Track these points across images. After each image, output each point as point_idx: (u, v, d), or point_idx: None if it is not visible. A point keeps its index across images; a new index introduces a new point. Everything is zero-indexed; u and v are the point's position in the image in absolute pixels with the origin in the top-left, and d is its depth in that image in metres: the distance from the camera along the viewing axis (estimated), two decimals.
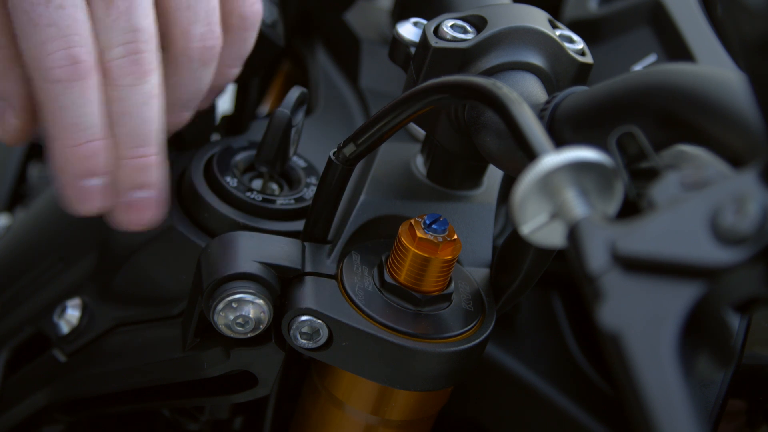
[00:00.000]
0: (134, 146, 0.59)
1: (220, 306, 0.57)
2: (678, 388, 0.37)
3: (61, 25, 0.55)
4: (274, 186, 0.69)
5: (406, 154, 0.69)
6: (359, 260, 0.61)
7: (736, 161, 0.45)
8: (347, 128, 0.76)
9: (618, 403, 0.70)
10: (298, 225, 0.65)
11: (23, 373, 0.73)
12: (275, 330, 0.59)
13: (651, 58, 0.75)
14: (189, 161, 0.68)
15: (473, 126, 0.60)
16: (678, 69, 0.49)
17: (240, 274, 0.57)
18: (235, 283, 0.57)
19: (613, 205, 0.45)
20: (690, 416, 0.36)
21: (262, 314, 0.58)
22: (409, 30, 0.64)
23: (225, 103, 0.84)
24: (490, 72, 0.60)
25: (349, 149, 0.58)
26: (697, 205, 0.40)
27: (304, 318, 0.57)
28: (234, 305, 0.57)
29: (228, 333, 0.58)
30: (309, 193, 0.68)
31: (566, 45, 0.61)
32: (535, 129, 0.47)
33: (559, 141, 0.54)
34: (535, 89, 0.59)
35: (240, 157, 0.68)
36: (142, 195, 0.60)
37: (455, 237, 0.59)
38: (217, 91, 0.68)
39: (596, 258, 0.41)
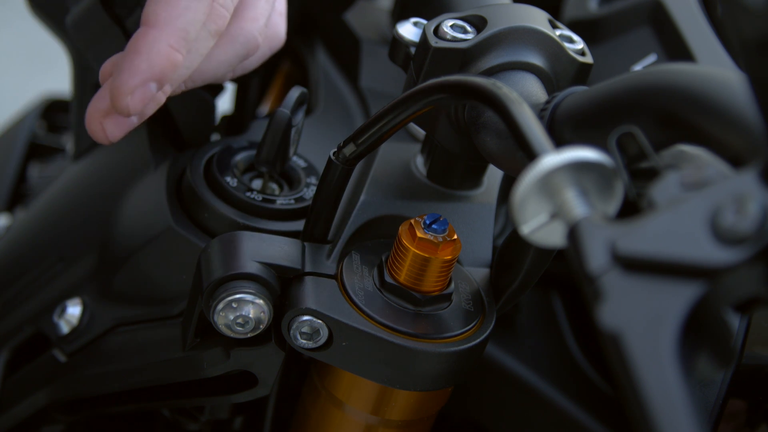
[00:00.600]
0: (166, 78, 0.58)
1: (220, 306, 0.57)
2: (678, 388, 0.37)
3: None
4: (274, 186, 0.69)
5: (406, 154, 0.69)
6: (359, 260, 0.61)
7: (736, 161, 0.45)
8: (347, 128, 0.76)
9: (618, 403, 0.70)
10: (298, 225, 0.65)
11: (23, 373, 0.73)
12: (275, 330, 0.59)
13: (651, 58, 0.75)
14: (189, 161, 0.68)
15: (473, 126, 0.60)
16: (678, 69, 0.49)
17: (240, 274, 0.57)
18: (235, 283, 0.57)
19: (613, 205, 0.45)
20: (690, 416, 0.36)
21: (262, 314, 0.58)
22: (409, 30, 0.64)
23: (225, 103, 0.84)
24: (490, 72, 0.60)
25: (349, 149, 0.58)
26: (697, 205, 0.40)
27: (304, 318, 0.57)
28: (234, 305, 0.57)
29: (228, 333, 0.58)
30: (309, 193, 0.68)
31: (566, 45, 0.61)
32: (535, 129, 0.47)
33: (559, 141, 0.54)
34: (535, 89, 0.59)
35: (240, 157, 0.68)
36: (131, 120, 0.61)
37: (455, 237, 0.59)
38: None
39: (596, 258, 0.41)
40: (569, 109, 0.54)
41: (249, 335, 0.58)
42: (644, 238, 0.40)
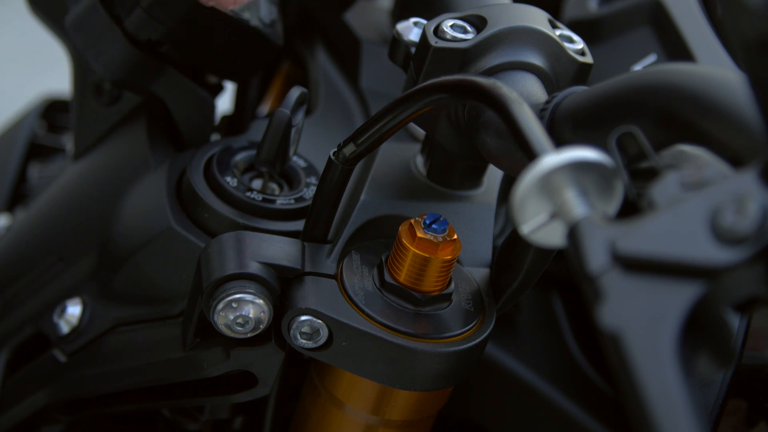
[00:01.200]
0: None
1: (220, 306, 0.57)
2: (678, 388, 0.37)
3: None
4: (274, 186, 0.69)
5: (406, 154, 0.69)
6: (359, 260, 0.61)
7: (736, 161, 0.45)
8: (347, 128, 0.76)
9: (618, 403, 0.70)
10: (298, 225, 0.65)
11: (23, 373, 0.73)
12: (275, 330, 0.59)
13: (651, 58, 0.75)
14: (189, 161, 0.68)
15: (473, 126, 0.60)
16: (678, 69, 0.49)
17: (240, 274, 0.57)
18: (235, 283, 0.57)
19: (613, 205, 0.45)
20: (690, 416, 0.36)
21: (262, 314, 0.58)
22: (409, 30, 0.64)
23: (225, 103, 0.84)
24: (490, 72, 0.60)
25: (349, 149, 0.58)
26: (697, 205, 0.40)
27: (304, 318, 0.57)
28: (234, 305, 0.57)
29: (228, 333, 0.58)
30: (309, 193, 0.68)
31: (566, 45, 0.61)
32: (535, 129, 0.47)
33: (559, 141, 0.54)
34: (535, 89, 0.59)
35: (240, 157, 0.68)
36: None
37: (455, 237, 0.59)
38: None
39: (596, 258, 0.41)
40: (569, 109, 0.54)
41: (249, 335, 0.58)
42: (644, 238, 0.40)
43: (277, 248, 0.59)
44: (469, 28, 0.61)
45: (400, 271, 0.58)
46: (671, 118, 0.48)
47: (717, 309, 0.40)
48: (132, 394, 0.70)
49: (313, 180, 0.69)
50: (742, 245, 0.38)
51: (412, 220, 0.59)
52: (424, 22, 0.64)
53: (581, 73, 0.62)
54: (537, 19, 0.61)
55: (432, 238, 0.58)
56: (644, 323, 0.38)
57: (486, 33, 0.60)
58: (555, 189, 0.43)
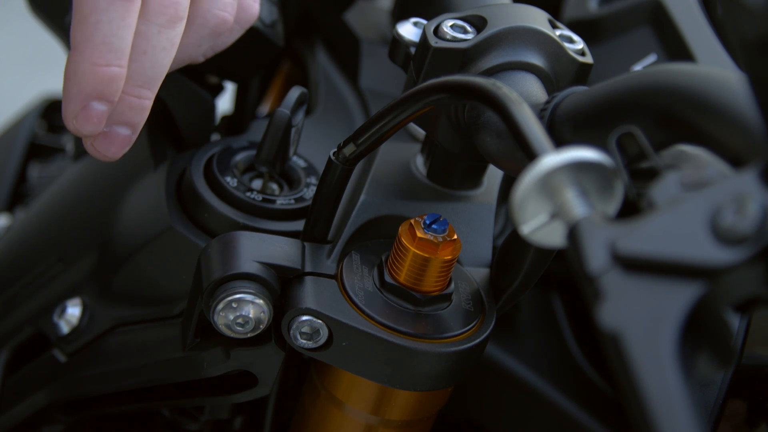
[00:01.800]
0: (139, 85, 0.59)
1: (220, 306, 0.57)
2: (678, 388, 0.37)
3: None
4: (274, 186, 0.69)
5: (406, 154, 0.69)
6: (359, 260, 0.61)
7: (736, 161, 0.45)
8: (347, 128, 0.76)
9: (618, 403, 0.70)
10: (298, 225, 0.65)
11: (23, 373, 0.73)
12: (275, 330, 0.59)
13: (651, 58, 0.75)
14: (189, 161, 0.68)
15: (473, 126, 0.60)
16: (678, 69, 0.49)
17: (240, 274, 0.57)
18: (235, 283, 0.57)
19: (613, 205, 0.45)
20: (690, 416, 0.36)
21: (262, 314, 0.58)
22: (409, 30, 0.64)
23: (225, 103, 0.84)
24: (490, 72, 0.60)
25: (349, 149, 0.58)
26: (697, 205, 0.40)
27: (304, 318, 0.57)
28: (234, 305, 0.57)
29: (228, 333, 0.58)
30: (309, 193, 0.68)
31: (566, 45, 0.61)
32: (535, 129, 0.47)
33: (559, 141, 0.54)
34: (535, 89, 0.59)
35: (240, 157, 0.68)
36: (123, 132, 0.60)
37: (455, 237, 0.59)
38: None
39: (596, 258, 0.41)
40: (569, 109, 0.54)
41: (249, 335, 0.58)
42: (644, 238, 0.40)
43: (277, 248, 0.59)
44: (469, 29, 0.61)
45: (400, 271, 0.58)
46: (671, 119, 0.48)
47: (717, 309, 0.40)
48: (132, 394, 0.70)
49: (313, 180, 0.69)
50: (742, 245, 0.38)
51: (412, 220, 0.59)
52: (424, 22, 0.64)
53: (581, 74, 0.62)
54: (537, 19, 0.61)
55: (432, 238, 0.58)
56: (644, 323, 0.38)
57: (486, 33, 0.60)
58: (555, 189, 0.43)
